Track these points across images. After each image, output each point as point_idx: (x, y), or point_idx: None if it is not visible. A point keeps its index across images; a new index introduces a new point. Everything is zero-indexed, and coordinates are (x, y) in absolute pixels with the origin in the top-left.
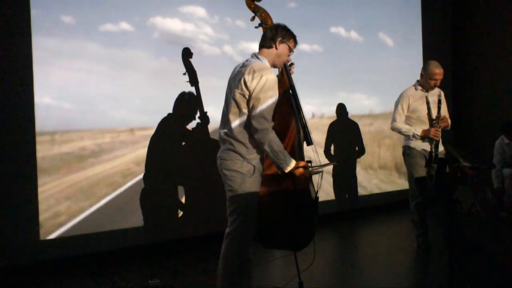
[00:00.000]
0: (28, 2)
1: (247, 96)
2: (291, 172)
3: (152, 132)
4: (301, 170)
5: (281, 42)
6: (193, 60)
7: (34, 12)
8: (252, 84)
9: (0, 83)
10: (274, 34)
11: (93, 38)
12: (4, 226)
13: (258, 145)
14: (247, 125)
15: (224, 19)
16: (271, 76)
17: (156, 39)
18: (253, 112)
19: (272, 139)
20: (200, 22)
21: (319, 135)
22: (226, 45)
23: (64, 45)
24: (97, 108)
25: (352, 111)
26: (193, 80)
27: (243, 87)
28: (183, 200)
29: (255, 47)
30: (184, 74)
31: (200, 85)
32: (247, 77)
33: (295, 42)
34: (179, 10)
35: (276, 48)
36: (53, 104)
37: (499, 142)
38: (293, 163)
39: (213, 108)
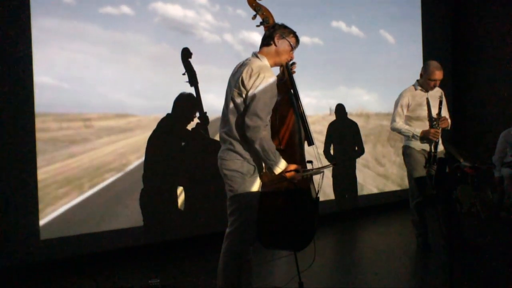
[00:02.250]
0: None
1: (244, 95)
2: (282, 174)
3: (149, 118)
4: (292, 173)
5: (280, 38)
6: (192, 47)
7: None
8: (249, 83)
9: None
10: (272, 32)
11: (93, 20)
12: (4, 226)
13: (249, 144)
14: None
15: (225, 7)
16: (269, 75)
17: (156, 24)
18: (247, 109)
19: (263, 138)
20: (201, 9)
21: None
22: (227, 33)
23: (63, 26)
24: (96, 91)
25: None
26: (193, 81)
27: (241, 86)
28: (181, 201)
29: (255, 37)
30: (184, 74)
31: (199, 73)
32: (245, 76)
33: (296, 38)
34: None
35: (276, 45)
36: (50, 84)
37: (505, 133)
38: (283, 165)
39: (212, 96)
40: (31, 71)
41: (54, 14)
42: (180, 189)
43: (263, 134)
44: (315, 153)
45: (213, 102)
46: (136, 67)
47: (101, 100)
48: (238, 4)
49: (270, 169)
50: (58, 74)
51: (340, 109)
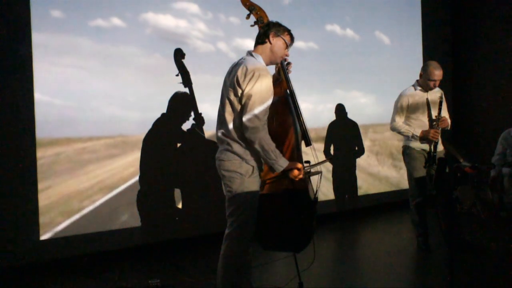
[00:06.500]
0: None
1: (239, 94)
2: (285, 173)
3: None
4: (295, 172)
5: (275, 36)
6: (186, 57)
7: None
8: (244, 82)
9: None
10: (267, 30)
11: (83, 33)
12: (4, 226)
13: (248, 144)
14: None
15: (217, 15)
16: (264, 73)
17: (148, 35)
18: (244, 110)
19: (262, 138)
20: (193, 18)
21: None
22: (220, 41)
23: (53, 40)
24: (89, 105)
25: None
26: (186, 81)
27: (236, 85)
28: (179, 203)
29: (249, 44)
30: (177, 75)
31: (194, 82)
32: (240, 75)
33: (291, 36)
34: (171, 6)
35: (270, 43)
36: (43, 101)
37: (504, 134)
38: (285, 164)
39: (208, 106)
40: (31, 88)
41: (43, 28)
42: (177, 190)
43: (262, 134)
44: (313, 154)
45: (209, 111)
46: (129, 79)
47: (94, 114)
48: (230, 12)
49: (271, 168)
50: (50, 90)
51: (340, 109)
